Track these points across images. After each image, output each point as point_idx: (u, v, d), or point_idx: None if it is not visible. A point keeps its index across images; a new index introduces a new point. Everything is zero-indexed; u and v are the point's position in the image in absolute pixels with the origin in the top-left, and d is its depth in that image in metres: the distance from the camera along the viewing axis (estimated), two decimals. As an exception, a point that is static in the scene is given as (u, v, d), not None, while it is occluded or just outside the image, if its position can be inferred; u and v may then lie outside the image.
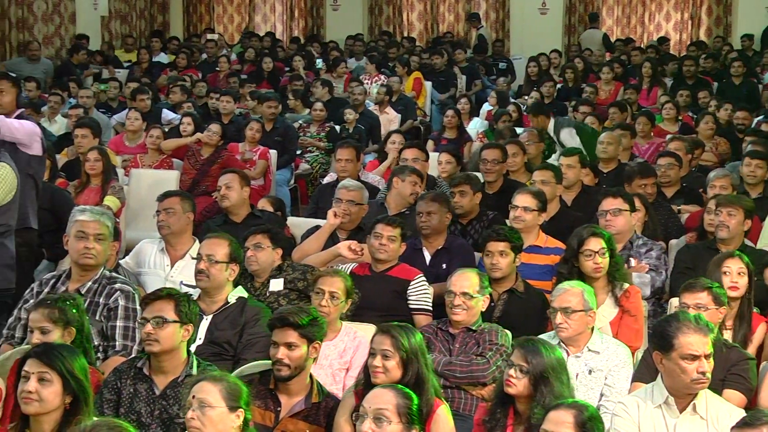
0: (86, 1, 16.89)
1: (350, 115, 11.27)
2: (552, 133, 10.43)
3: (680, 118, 11.43)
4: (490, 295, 5.37)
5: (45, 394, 3.79)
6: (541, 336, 4.88)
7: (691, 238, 6.82)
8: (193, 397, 3.83)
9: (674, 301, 5.44)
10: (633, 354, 5.14)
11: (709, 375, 4.12)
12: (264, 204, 7.60)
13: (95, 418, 3.72)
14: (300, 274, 5.79)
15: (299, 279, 5.77)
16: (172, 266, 6.26)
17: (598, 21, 17.96)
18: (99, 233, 5.36)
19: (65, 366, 3.85)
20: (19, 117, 6.66)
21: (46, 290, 5.37)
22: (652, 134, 10.38)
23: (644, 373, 4.76)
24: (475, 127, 11.77)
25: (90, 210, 5.52)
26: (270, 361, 4.51)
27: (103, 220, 5.42)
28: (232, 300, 5.34)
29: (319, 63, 15.65)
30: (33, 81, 12.48)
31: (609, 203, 6.39)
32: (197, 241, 6.34)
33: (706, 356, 4.10)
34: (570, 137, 10.24)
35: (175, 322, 4.45)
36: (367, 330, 5.18)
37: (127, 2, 18.23)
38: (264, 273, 5.82)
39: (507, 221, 6.60)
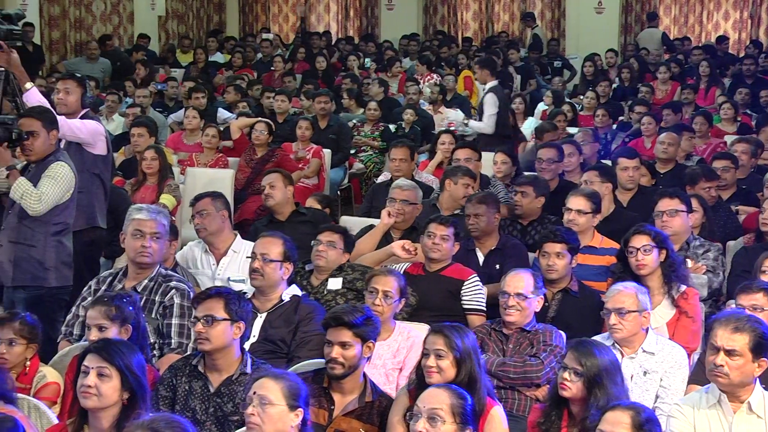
0: (144, 1, 17.07)
1: (410, 115, 11.25)
2: (481, 92, 10.55)
3: (738, 118, 11.29)
4: (545, 295, 5.35)
5: (104, 388, 3.83)
6: (596, 337, 4.85)
7: (748, 240, 6.73)
8: (254, 393, 3.85)
9: (732, 304, 5.38)
10: (690, 356, 5.09)
11: (725, 371, 4.05)
12: (311, 202, 7.63)
13: (152, 414, 3.76)
14: (360, 275, 5.79)
15: (358, 279, 5.77)
16: (217, 264, 6.32)
17: (656, 20, 17.78)
18: (155, 232, 5.40)
19: (124, 361, 3.88)
20: (84, 117, 6.75)
21: (103, 288, 5.42)
22: (709, 134, 10.26)
23: (701, 375, 4.71)
24: (530, 126, 11.71)
25: (146, 209, 5.57)
26: (324, 360, 4.52)
27: (159, 218, 5.47)
28: (286, 298, 5.36)
29: (368, 62, 15.67)
30: (92, 80, 12.62)
31: (666, 204, 6.33)
32: (238, 235, 6.40)
33: (727, 351, 4.05)
34: (492, 105, 10.24)
35: (224, 320, 4.47)
36: (421, 329, 5.17)
37: (183, 2, 18.40)
38: (326, 271, 5.84)
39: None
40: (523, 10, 19.08)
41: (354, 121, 11.50)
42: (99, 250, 6.85)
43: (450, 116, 11.14)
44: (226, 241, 6.36)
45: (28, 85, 6.49)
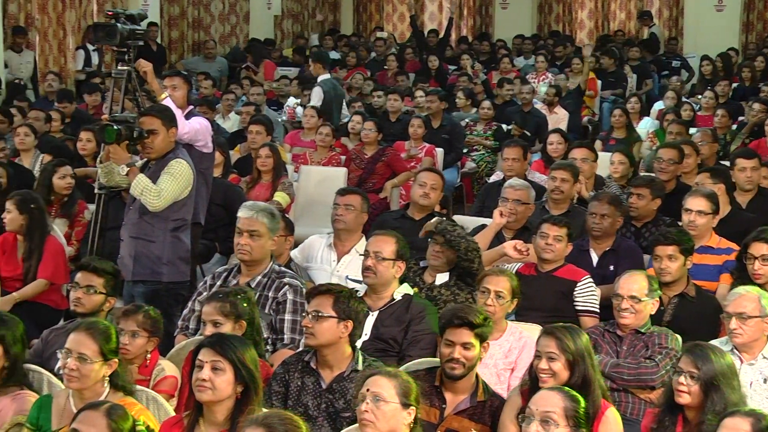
0: (260, 1, 17.31)
1: (516, 129, 11.14)
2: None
3: None
4: (660, 298, 5.25)
5: (218, 382, 3.89)
6: (713, 342, 4.74)
7: None
8: (368, 390, 3.87)
9: None
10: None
11: None
12: None
13: (265, 409, 3.81)
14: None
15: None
16: (338, 261, 6.35)
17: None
18: (253, 230, 5.43)
19: (236, 355, 3.94)
20: (189, 114, 6.89)
21: (218, 283, 5.50)
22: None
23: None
24: (646, 126, 11.54)
25: (248, 206, 5.61)
26: (435, 359, 4.52)
27: (258, 216, 5.47)
28: (397, 297, 5.36)
29: (474, 63, 15.62)
30: (209, 79, 12.88)
31: (788, 206, 6.17)
32: (364, 237, 6.41)
33: None
34: (316, 97, 10.85)
35: (331, 317, 4.48)
36: (533, 330, 5.14)
37: (299, 2, 18.60)
38: (441, 270, 5.81)
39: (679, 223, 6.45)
40: (640, 9, 18.78)
41: (467, 120, 11.48)
42: (196, 245, 6.95)
43: (289, 103, 11.28)
44: (353, 241, 6.38)
45: (163, 95, 6.66)
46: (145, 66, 6.65)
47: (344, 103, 11.64)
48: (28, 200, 6.61)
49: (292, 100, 11.44)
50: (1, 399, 4.38)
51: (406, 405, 3.86)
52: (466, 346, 4.42)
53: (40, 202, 6.72)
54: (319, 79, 11.17)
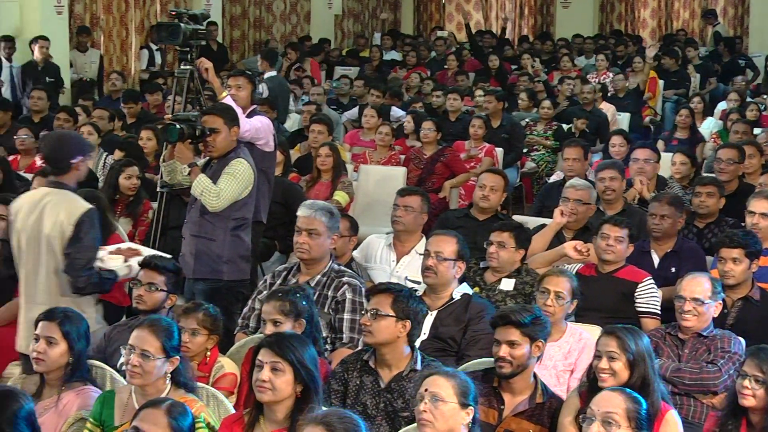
0: (321, 0, 17.38)
1: (581, 123, 11.08)
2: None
3: None
4: (724, 301, 5.18)
5: (278, 383, 3.91)
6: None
7: None
8: (426, 390, 3.87)
9: None
10: None
11: None
12: None
13: (324, 408, 3.83)
14: (531, 279, 5.75)
15: (528, 284, 5.73)
16: (397, 261, 6.35)
17: None
18: (311, 228, 5.44)
19: (296, 356, 3.95)
20: (252, 113, 6.94)
21: (278, 282, 5.52)
22: None
23: None
24: (709, 127, 11.40)
25: (307, 205, 5.62)
26: (493, 359, 4.50)
27: (317, 215, 5.48)
28: (456, 296, 5.35)
29: (535, 63, 15.54)
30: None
31: None
32: (424, 237, 6.41)
33: None
34: (264, 89, 11.16)
35: (389, 316, 4.49)
36: (593, 331, 5.10)
37: (359, 1, 18.64)
38: (501, 272, 5.81)
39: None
40: (704, 7, 18.56)
41: (527, 120, 11.44)
42: (257, 243, 6.98)
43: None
44: (413, 241, 6.37)
45: (224, 93, 6.71)
46: (206, 64, 6.73)
47: (290, 100, 12.18)
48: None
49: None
50: (66, 394, 4.45)
51: (464, 405, 3.86)
52: (512, 344, 4.39)
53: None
54: (266, 75, 11.51)
